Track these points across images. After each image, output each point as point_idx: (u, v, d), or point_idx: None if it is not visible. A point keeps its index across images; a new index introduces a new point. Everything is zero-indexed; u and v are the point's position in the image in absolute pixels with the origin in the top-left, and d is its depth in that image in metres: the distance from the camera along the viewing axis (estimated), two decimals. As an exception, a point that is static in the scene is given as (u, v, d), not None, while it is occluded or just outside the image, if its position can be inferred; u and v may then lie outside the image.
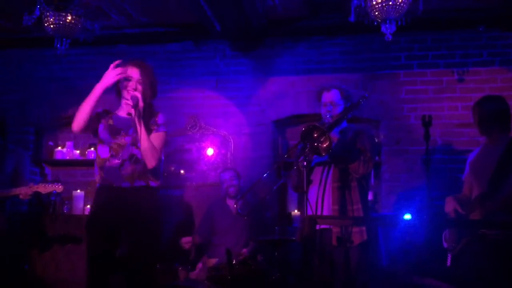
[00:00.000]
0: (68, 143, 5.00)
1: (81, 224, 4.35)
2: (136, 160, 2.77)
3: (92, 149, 4.91)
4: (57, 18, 3.68)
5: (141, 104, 2.77)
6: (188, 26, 4.70)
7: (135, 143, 2.77)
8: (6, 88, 5.05)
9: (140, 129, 2.73)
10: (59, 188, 3.42)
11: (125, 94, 2.85)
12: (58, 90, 4.99)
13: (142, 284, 2.71)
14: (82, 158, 4.96)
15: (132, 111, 2.75)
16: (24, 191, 3.42)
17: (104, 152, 2.82)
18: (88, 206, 4.78)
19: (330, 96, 3.02)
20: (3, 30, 4.80)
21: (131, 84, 2.83)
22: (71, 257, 4.33)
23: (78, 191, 4.80)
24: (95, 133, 2.91)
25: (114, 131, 2.85)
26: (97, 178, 2.86)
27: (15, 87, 5.05)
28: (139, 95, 2.79)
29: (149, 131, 2.81)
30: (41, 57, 5.03)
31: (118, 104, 2.97)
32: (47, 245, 4.21)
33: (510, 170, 2.82)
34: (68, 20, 3.71)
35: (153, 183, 2.80)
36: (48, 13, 3.68)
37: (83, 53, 4.95)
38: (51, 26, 3.73)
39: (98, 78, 4.86)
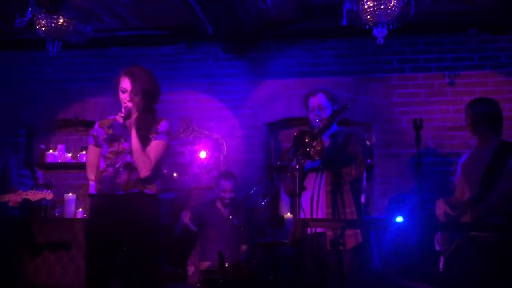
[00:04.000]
0: (59, 146, 4.97)
1: (73, 228, 4.38)
2: (131, 168, 2.73)
3: (84, 152, 4.89)
4: (48, 20, 3.67)
5: (134, 114, 2.73)
6: (181, 28, 4.70)
7: (131, 150, 2.74)
8: (-2, 90, 5.03)
9: (133, 140, 2.70)
10: (49, 195, 3.38)
11: (122, 104, 2.82)
12: (51, 92, 4.97)
13: None
14: (74, 161, 4.94)
15: (127, 122, 2.73)
16: (13, 198, 3.37)
17: (101, 163, 2.81)
18: (80, 210, 4.76)
19: (317, 100, 3.01)
20: (-5, 32, 4.78)
21: (125, 97, 2.78)
22: (62, 262, 4.31)
23: (70, 194, 4.78)
24: None
25: (113, 139, 2.82)
26: (95, 187, 2.84)
27: (7, 89, 5.02)
28: (131, 105, 2.74)
29: (148, 140, 2.77)
30: (33, 59, 5.01)
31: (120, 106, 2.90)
32: (37, 251, 4.18)
33: (500, 172, 2.85)
34: (59, 23, 3.70)
35: (148, 190, 2.76)
36: (39, 16, 3.67)
37: (76, 55, 4.94)
38: (43, 28, 3.72)
39: (91, 80, 4.93)
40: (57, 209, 4.75)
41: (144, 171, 2.71)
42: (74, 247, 4.22)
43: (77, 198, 4.81)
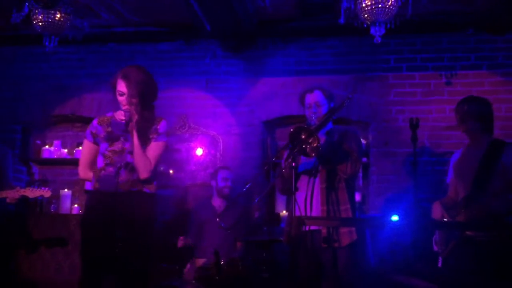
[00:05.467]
0: (55, 142, 4.96)
1: (68, 224, 4.37)
2: (131, 168, 2.74)
3: (80, 148, 4.88)
4: (45, 15, 3.66)
5: (134, 118, 2.72)
6: (179, 25, 4.69)
7: (132, 151, 2.74)
8: (-7, 86, 5.01)
9: (135, 143, 2.70)
10: (47, 193, 3.37)
11: (121, 106, 2.81)
12: (47, 88, 4.95)
13: (136, 285, 2.70)
14: (69, 157, 4.92)
15: (130, 125, 2.72)
16: (11, 195, 3.36)
17: (99, 161, 2.80)
18: (76, 206, 4.75)
19: (314, 97, 3.02)
20: (-9, 27, 4.75)
21: (123, 99, 2.77)
22: (58, 258, 4.30)
23: (66, 190, 4.77)
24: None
25: (113, 137, 2.80)
26: (91, 184, 2.83)
27: (3, 85, 5.00)
28: (131, 108, 2.73)
29: (148, 140, 2.77)
30: (29, 55, 4.99)
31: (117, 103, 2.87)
32: (33, 247, 4.17)
33: (492, 171, 2.86)
34: (56, 18, 3.68)
35: (147, 189, 2.77)
36: (36, 11, 3.65)
37: (73, 51, 4.92)
38: (40, 23, 3.70)
39: (87, 76, 4.92)
40: (53, 205, 4.74)
41: (144, 173, 2.72)
42: (69, 243, 4.21)
43: (72, 194, 4.80)
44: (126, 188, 2.72)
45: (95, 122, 2.90)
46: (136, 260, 2.71)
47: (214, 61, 4.80)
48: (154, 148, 2.77)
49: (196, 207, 4.27)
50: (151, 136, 2.78)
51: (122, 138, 2.78)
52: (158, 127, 2.81)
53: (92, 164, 2.87)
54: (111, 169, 2.74)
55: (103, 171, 2.75)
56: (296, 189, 2.73)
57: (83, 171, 2.91)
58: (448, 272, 2.90)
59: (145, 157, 2.72)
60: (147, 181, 2.76)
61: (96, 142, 2.87)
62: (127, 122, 2.73)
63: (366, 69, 4.55)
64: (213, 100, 4.73)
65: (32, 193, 3.37)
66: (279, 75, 4.68)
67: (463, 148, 3.16)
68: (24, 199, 3.44)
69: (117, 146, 2.77)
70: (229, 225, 3.16)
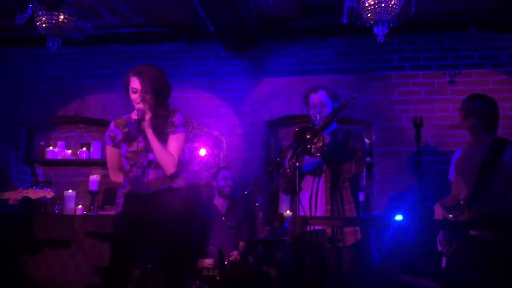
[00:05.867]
0: (59, 143, 4.98)
1: (72, 225, 4.39)
2: (156, 165, 2.72)
3: (84, 149, 4.90)
4: (49, 17, 3.67)
5: (147, 115, 2.71)
6: (182, 26, 4.70)
7: (151, 149, 2.73)
8: (-3, 87, 5.03)
9: (151, 141, 2.69)
10: (49, 194, 3.37)
11: (134, 105, 2.80)
12: (50, 89, 4.97)
13: (177, 279, 2.72)
14: (74, 158, 4.94)
15: (142, 123, 2.72)
16: (13, 196, 3.36)
17: (125, 164, 2.80)
18: (80, 206, 4.77)
19: (318, 97, 3.02)
20: (-5, 29, 4.78)
21: (136, 97, 2.75)
22: (62, 258, 4.32)
23: (70, 191, 4.79)
24: None
25: (130, 138, 2.80)
26: (125, 185, 2.84)
27: (7, 86, 5.02)
28: (144, 106, 2.72)
29: (165, 135, 2.75)
30: (33, 56, 5.01)
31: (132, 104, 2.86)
32: (37, 248, 4.18)
33: (494, 171, 2.85)
34: (60, 20, 3.69)
35: (175, 184, 2.77)
36: (40, 12, 3.67)
37: (76, 52, 4.93)
38: (43, 25, 3.71)
39: (90, 77, 4.93)
40: (57, 206, 4.75)
41: (169, 169, 2.71)
42: (73, 244, 4.23)
43: (76, 195, 4.82)
44: (156, 186, 2.72)
45: (112, 125, 2.90)
46: (177, 256, 2.72)
47: (218, 61, 4.80)
48: (174, 141, 2.75)
49: (199, 207, 4.27)
50: (168, 130, 2.76)
51: (139, 138, 2.77)
52: (174, 119, 2.78)
53: (120, 166, 2.87)
54: (136, 169, 2.74)
55: (130, 173, 2.76)
56: (300, 189, 2.73)
57: (113, 175, 2.93)
58: (452, 272, 2.89)
59: (167, 153, 2.71)
60: (174, 176, 2.75)
61: (115, 145, 2.87)
62: (139, 121, 2.72)
63: (369, 68, 4.54)
64: (216, 100, 4.74)
65: (34, 194, 3.37)
66: (282, 75, 4.68)
67: (465, 146, 3.15)
68: (27, 200, 3.45)
69: (135, 146, 2.76)
70: (234, 224, 3.16)
